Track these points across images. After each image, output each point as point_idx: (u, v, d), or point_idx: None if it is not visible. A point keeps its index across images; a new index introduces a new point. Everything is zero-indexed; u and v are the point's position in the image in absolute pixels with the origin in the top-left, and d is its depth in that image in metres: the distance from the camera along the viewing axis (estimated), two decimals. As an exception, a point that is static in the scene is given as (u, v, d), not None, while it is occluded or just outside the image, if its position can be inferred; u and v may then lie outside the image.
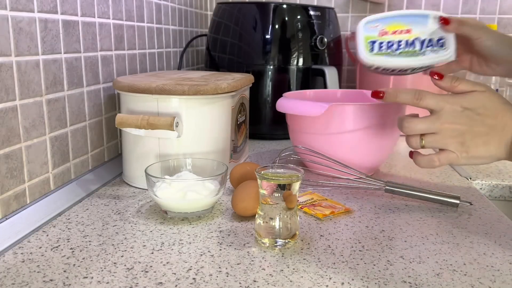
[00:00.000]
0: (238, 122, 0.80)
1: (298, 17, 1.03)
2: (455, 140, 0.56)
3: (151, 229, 0.56)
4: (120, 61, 0.81)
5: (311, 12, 1.04)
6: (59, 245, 0.52)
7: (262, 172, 0.53)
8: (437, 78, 0.58)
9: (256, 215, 0.53)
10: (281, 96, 0.82)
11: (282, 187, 0.51)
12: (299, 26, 1.03)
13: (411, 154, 0.61)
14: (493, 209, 0.65)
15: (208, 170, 0.65)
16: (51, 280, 0.44)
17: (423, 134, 0.57)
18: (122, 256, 0.49)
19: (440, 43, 0.63)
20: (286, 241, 0.52)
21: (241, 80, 0.78)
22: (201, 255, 0.50)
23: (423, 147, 0.57)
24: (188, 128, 0.68)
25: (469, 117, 0.55)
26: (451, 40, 0.63)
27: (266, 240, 0.52)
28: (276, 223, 0.51)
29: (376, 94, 0.60)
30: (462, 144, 0.56)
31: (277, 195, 0.51)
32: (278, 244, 0.52)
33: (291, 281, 0.45)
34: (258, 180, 0.52)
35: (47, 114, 0.61)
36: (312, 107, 0.73)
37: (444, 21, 0.62)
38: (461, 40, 0.63)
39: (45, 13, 0.59)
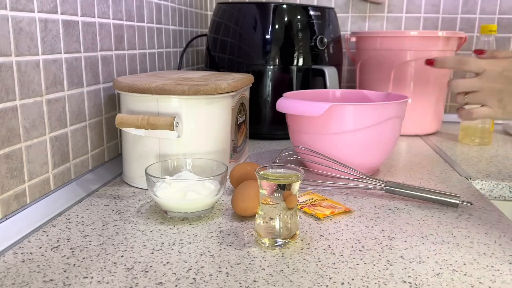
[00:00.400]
0: (238, 122, 0.80)
1: (298, 17, 1.03)
2: (494, 97, 0.65)
3: (151, 229, 0.56)
4: (120, 61, 0.81)
5: (311, 12, 1.04)
6: (59, 245, 0.52)
7: (262, 172, 0.53)
8: (479, 53, 0.69)
9: (256, 215, 0.53)
10: (281, 96, 0.82)
11: (282, 187, 0.51)
12: (299, 26, 1.03)
13: (458, 110, 0.71)
14: (493, 209, 0.65)
15: (208, 170, 0.65)
16: (51, 280, 0.44)
17: (467, 92, 0.67)
18: (122, 256, 0.49)
19: None
20: (286, 241, 0.52)
21: (241, 80, 0.78)
22: (201, 255, 0.50)
23: (466, 103, 0.67)
24: (188, 128, 0.68)
25: (507, 78, 0.64)
26: None
27: (266, 240, 0.52)
28: (276, 223, 0.51)
29: (428, 62, 0.72)
30: (500, 101, 0.64)
31: (277, 195, 0.51)
32: (278, 244, 0.52)
33: (291, 281, 0.45)
34: (258, 180, 0.52)
35: (47, 114, 0.61)
36: (312, 107, 0.73)
37: None
38: None
39: (45, 13, 0.59)
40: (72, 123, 0.67)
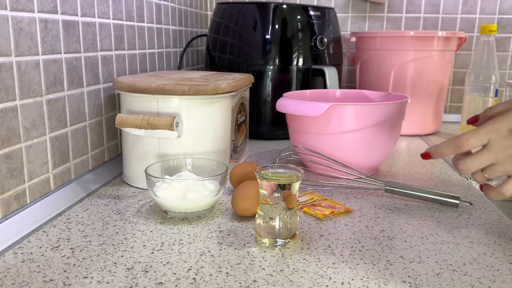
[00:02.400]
0: (238, 122, 0.80)
1: (298, 17, 1.03)
2: None
3: (151, 229, 0.56)
4: (120, 61, 0.81)
5: (311, 12, 1.04)
6: (59, 245, 0.52)
7: (262, 172, 0.53)
8: (473, 122, 0.58)
9: (256, 215, 0.53)
10: (281, 96, 0.82)
11: (282, 187, 0.51)
12: (299, 26, 1.03)
13: (481, 188, 0.58)
14: (493, 209, 0.65)
15: (208, 170, 0.65)
16: (51, 280, 0.44)
17: (483, 168, 0.54)
18: (122, 256, 0.49)
19: None
20: (286, 241, 0.52)
21: (241, 80, 0.78)
22: (201, 255, 0.50)
23: (489, 180, 0.55)
24: (188, 128, 0.68)
25: None
26: None
27: (266, 240, 0.52)
28: (276, 223, 0.51)
29: (424, 156, 0.59)
30: None
31: (277, 195, 0.51)
32: (278, 244, 0.52)
33: (291, 281, 0.45)
34: (258, 180, 0.52)
35: (47, 114, 0.61)
36: (312, 107, 0.73)
37: None
38: None
39: (45, 13, 0.59)
40: (72, 123, 0.67)
